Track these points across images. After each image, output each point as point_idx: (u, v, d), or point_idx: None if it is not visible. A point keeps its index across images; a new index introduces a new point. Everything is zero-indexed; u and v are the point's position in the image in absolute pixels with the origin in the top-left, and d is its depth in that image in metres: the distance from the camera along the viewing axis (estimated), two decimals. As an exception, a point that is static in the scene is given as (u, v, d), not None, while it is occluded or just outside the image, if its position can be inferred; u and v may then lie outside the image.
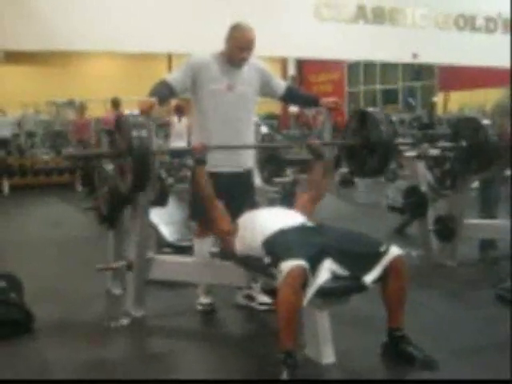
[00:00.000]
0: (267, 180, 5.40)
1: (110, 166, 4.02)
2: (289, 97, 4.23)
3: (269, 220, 3.37)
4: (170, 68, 14.50)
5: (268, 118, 15.27)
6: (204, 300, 4.09)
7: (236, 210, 3.63)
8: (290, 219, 3.39)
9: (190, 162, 4.00)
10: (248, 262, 3.43)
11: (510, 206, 4.97)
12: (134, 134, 3.41)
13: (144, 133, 3.44)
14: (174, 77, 3.87)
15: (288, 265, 2.87)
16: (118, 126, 3.62)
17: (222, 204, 3.61)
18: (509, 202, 5.22)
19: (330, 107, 4.17)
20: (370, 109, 4.15)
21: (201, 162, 3.61)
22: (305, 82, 19.33)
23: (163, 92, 3.77)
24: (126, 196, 3.80)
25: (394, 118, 12.89)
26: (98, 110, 13.43)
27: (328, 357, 3.10)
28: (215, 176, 3.72)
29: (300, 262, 2.87)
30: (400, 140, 4.65)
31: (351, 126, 4.08)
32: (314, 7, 10.04)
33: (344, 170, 5.76)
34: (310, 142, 3.82)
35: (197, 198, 3.90)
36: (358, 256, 3.06)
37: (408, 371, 3.05)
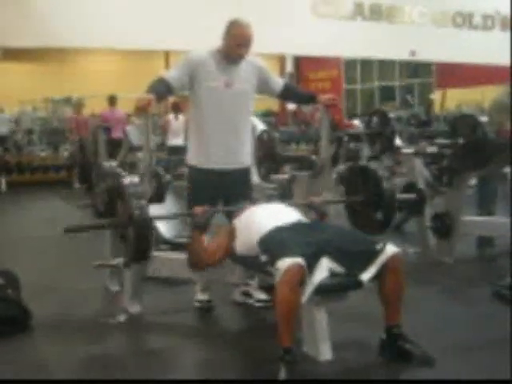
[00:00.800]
0: (264, 177, 5.39)
1: (108, 163, 4.02)
2: (286, 94, 4.23)
3: (264, 218, 3.36)
4: (167, 65, 14.51)
5: (266, 115, 15.25)
6: (201, 297, 4.09)
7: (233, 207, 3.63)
8: (285, 216, 3.38)
9: (187, 160, 3.99)
10: (245, 260, 3.42)
11: (510, 203, 4.97)
12: (134, 204, 3.45)
13: (143, 203, 3.48)
14: (172, 74, 3.86)
15: (285, 262, 2.87)
16: (119, 195, 3.63)
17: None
18: (506, 199, 5.23)
19: (328, 104, 4.17)
20: (371, 165, 4.14)
21: (200, 227, 3.48)
22: (302, 79, 19.32)
23: (161, 89, 3.76)
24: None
25: (392, 116, 12.88)
26: (95, 107, 13.41)
27: (325, 354, 3.10)
28: (213, 173, 3.71)
29: (297, 260, 2.87)
30: (401, 196, 4.64)
31: (352, 179, 4.09)
32: (311, 4, 10.03)
33: (341, 167, 5.77)
34: (312, 200, 3.77)
35: (193, 194, 3.90)
36: (354, 254, 3.06)
37: (405, 368, 3.05)
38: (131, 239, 3.47)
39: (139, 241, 3.46)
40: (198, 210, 3.50)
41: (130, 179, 3.75)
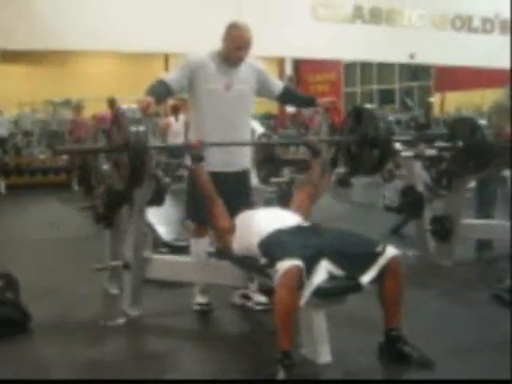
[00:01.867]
0: (264, 180, 5.39)
1: (107, 166, 4.01)
2: (285, 97, 4.23)
3: (265, 221, 3.37)
4: (166, 68, 14.51)
5: (265, 117, 15.26)
6: (200, 299, 4.09)
7: (233, 210, 3.63)
8: (286, 220, 3.39)
9: (187, 161, 3.99)
10: (244, 262, 3.43)
11: (510, 206, 4.97)
12: (131, 128, 3.40)
13: (141, 127, 3.43)
14: (171, 76, 3.86)
15: (284, 265, 2.87)
16: (115, 121, 3.61)
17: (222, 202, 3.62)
18: (505, 202, 5.23)
19: (327, 107, 4.17)
20: (367, 105, 4.16)
21: (198, 158, 3.60)
22: (302, 82, 19.33)
23: (160, 91, 3.77)
24: (123, 195, 3.80)
25: (391, 118, 12.88)
26: (94, 110, 13.41)
27: (324, 356, 3.10)
28: (212, 176, 3.71)
29: (296, 262, 2.87)
30: (397, 136, 4.63)
31: (348, 123, 4.09)
32: (310, 7, 10.05)
33: (340, 170, 5.76)
34: (308, 138, 3.82)
35: (193, 198, 3.90)
36: (354, 257, 3.06)
37: (404, 371, 3.05)
38: (126, 164, 3.45)
39: (134, 166, 3.42)
40: (194, 141, 3.63)
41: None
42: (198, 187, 3.65)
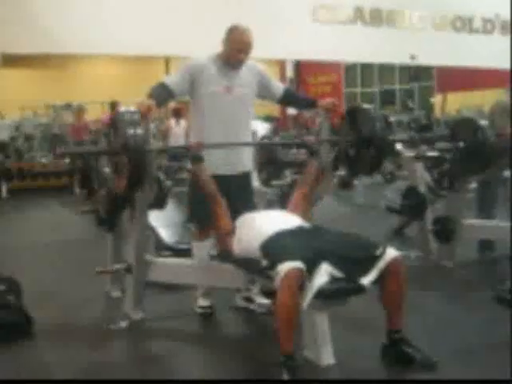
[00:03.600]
0: (265, 182, 5.39)
1: (108, 169, 4.01)
2: (286, 100, 4.24)
3: (265, 223, 3.37)
4: (167, 71, 14.51)
5: (266, 119, 15.26)
6: (203, 302, 4.09)
7: (235, 213, 3.63)
8: (287, 222, 3.39)
9: (188, 164, 4.00)
10: (246, 265, 3.43)
11: (510, 207, 4.97)
12: (130, 131, 3.40)
13: (139, 130, 3.43)
14: (173, 79, 3.87)
15: (285, 267, 2.87)
16: (114, 124, 3.61)
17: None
18: (506, 202, 5.23)
19: (328, 109, 4.17)
20: (363, 105, 4.17)
21: (197, 158, 3.61)
22: (303, 84, 19.32)
23: (161, 94, 3.77)
24: (124, 197, 3.80)
25: (392, 119, 12.89)
26: (96, 113, 13.43)
27: (327, 358, 3.10)
28: (214, 178, 3.71)
29: (297, 265, 2.87)
30: (396, 136, 4.65)
31: (344, 124, 4.10)
32: (311, 9, 10.04)
33: (342, 171, 5.76)
34: (306, 138, 3.83)
35: (195, 200, 3.91)
36: (355, 258, 3.06)
37: (407, 373, 3.05)
38: (126, 167, 3.45)
39: (134, 169, 3.42)
40: (193, 143, 3.64)
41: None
42: (199, 187, 3.65)
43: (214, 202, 3.59)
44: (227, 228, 3.55)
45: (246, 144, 4.12)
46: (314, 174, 3.82)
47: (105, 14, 8.41)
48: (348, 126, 4.07)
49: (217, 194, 3.59)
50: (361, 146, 3.95)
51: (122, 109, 3.61)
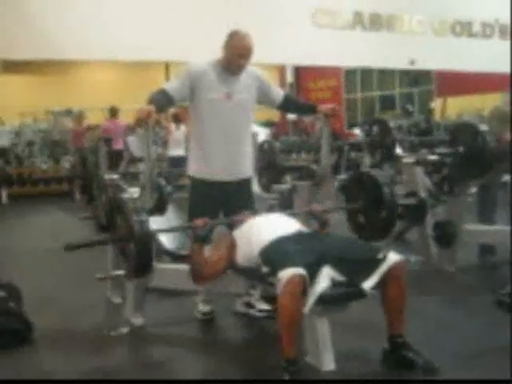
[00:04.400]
0: (265, 187, 5.39)
1: (109, 175, 4.02)
2: (286, 105, 4.23)
3: (265, 229, 3.36)
4: (167, 76, 14.52)
5: (266, 124, 15.27)
6: (203, 308, 4.09)
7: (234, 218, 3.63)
8: (286, 227, 3.38)
9: (188, 171, 4.00)
10: (247, 271, 3.42)
11: (510, 211, 4.97)
12: (135, 218, 3.42)
13: (144, 217, 3.44)
14: (172, 85, 3.87)
15: (286, 273, 2.87)
16: (119, 209, 3.61)
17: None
18: (506, 207, 5.23)
19: (328, 114, 4.17)
20: (372, 171, 4.14)
21: (200, 239, 3.48)
22: (302, 89, 19.34)
23: (161, 100, 3.77)
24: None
25: (392, 124, 12.88)
26: (95, 119, 13.43)
27: (328, 364, 3.10)
28: (214, 184, 3.72)
29: (298, 270, 2.87)
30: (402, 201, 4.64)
31: (352, 186, 4.09)
32: (310, 14, 10.06)
33: (342, 177, 5.76)
34: (313, 209, 3.76)
35: (195, 206, 3.90)
36: (356, 263, 3.06)
37: (408, 377, 3.04)
38: (132, 254, 3.45)
39: (140, 256, 3.43)
40: (199, 222, 3.49)
41: (130, 191, 3.73)
42: (192, 267, 3.55)
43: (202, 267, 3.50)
44: (226, 261, 3.47)
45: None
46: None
47: (104, 21, 8.44)
48: (354, 191, 4.04)
49: (203, 266, 3.49)
50: (370, 215, 3.93)
51: (124, 196, 3.65)
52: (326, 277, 2.98)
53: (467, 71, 12.04)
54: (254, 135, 4.87)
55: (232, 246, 3.45)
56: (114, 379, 3.16)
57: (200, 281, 3.55)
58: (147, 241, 3.44)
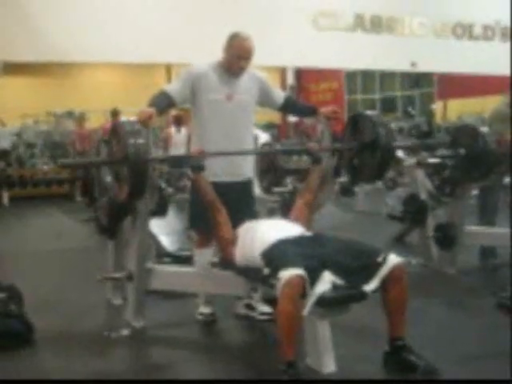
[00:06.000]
0: (267, 189, 5.39)
1: (110, 177, 4.01)
2: (287, 107, 4.24)
3: (267, 232, 3.37)
4: (169, 78, 14.53)
5: (267, 127, 15.26)
6: (204, 310, 4.08)
7: (236, 221, 3.63)
8: (288, 230, 3.39)
9: (189, 172, 4.00)
10: (247, 273, 3.43)
11: (510, 213, 4.97)
12: (130, 141, 3.40)
13: (140, 140, 3.42)
14: (173, 87, 3.87)
15: (286, 274, 2.87)
16: (114, 134, 3.61)
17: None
18: (507, 209, 5.22)
19: (329, 116, 4.17)
20: (367, 112, 4.16)
21: (198, 168, 3.61)
22: (303, 91, 19.33)
23: (162, 102, 3.77)
24: (126, 206, 3.79)
25: (393, 126, 12.88)
26: (97, 121, 13.44)
27: (329, 366, 3.09)
28: (215, 186, 3.72)
29: (298, 271, 2.87)
30: (398, 143, 4.63)
31: (347, 131, 4.10)
32: (311, 17, 10.08)
33: (343, 178, 5.76)
34: (309, 145, 3.83)
35: (196, 207, 3.90)
36: (357, 266, 3.05)
37: (409, 379, 3.04)
38: (126, 177, 3.44)
39: (135, 179, 3.42)
40: (196, 151, 3.61)
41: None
42: (200, 196, 3.64)
43: (214, 210, 3.58)
44: (228, 236, 3.55)
45: (249, 152, 4.11)
46: (317, 181, 3.81)
47: (105, 23, 8.45)
48: (350, 132, 4.06)
49: (217, 202, 3.59)
50: (364, 153, 3.94)
51: (123, 119, 3.63)
52: (327, 280, 2.97)
53: (468, 73, 12.05)
54: (254, 139, 4.86)
55: (234, 241, 3.50)
56: (113, 379, 3.15)
57: (210, 203, 3.61)
58: (142, 163, 3.42)
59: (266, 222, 3.61)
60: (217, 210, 3.58)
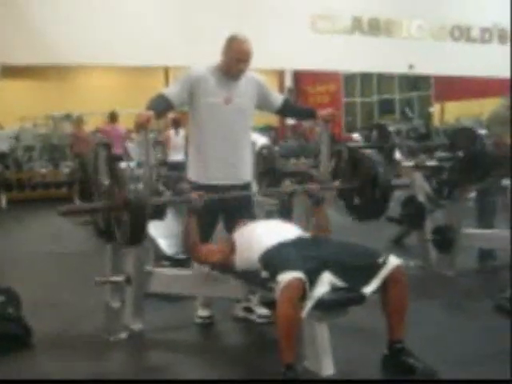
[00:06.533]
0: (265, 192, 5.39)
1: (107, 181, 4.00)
2: (285, 110, 4.22)
3: (265, 234, 3.36)
4: (167, 81, 14.54)
5: (265, 129, 15.27)
6: (202, 313, 4.08)
7: (235, 224, 3.63)
8: (286, 232, 3.38)
9: (187, 175, 4.00)
10: (246, 276, 3.42)
11: (510, 215, 4.97)
12: (131, 187, 3.40)
13: (140, 186, 3.43)
14: (172, 90, 3.86)
15: (285, 277, 2.87)
16: (114, 178, 3.60)
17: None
18: (506, 211, 5.23)
19: (327, 119, 4.16)
20: (366, 151, 4.14)
21: (196, 212, 3.56)
22: (301, 94, 19.36)
23: (160, 106, 3.76)
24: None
25: (391, 129, 12.89)
26: (95, 123, 13.43)
27: (327, 369, 3.08)
28: (213, 189, 3.71)
29: (297, 274, 2.87)
30: (396, 181, 4.65)
31: (343, 165, 4.09)
32: (309, 19, 10.09)
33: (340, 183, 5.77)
34: (310, 187, 3.79)
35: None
36: (356, 268, 3.05)
37: (408, 380, 3.04)
38: (126, 223, 3.44)
39: (134, 225, 3.41)
40: (195, 194, 3.57)
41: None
42: (184, 236, 3.63)
43: (196, 252, 3.59)
44: (223, 257, 3.52)
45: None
46: (325, 219, 3.77)
47: (103, 26, 8.45)
48: (347, 170, 4.05)
49: (197, 244, 3.57)
50: (364, 194, 3.93)
51: (123, 164, 3.63)
52: (326, 282, 2.97)
53: (466, 76, 12.06)
54: (253, 141, 4.86)
55: (232, 250, 3.47)
56: (113, 379, 3.15)
57: (192, 254, 3.64)
58: (142, 209, 3.41)
59: (263, 225, 3.60)
60: (197, 251, 3.58)
